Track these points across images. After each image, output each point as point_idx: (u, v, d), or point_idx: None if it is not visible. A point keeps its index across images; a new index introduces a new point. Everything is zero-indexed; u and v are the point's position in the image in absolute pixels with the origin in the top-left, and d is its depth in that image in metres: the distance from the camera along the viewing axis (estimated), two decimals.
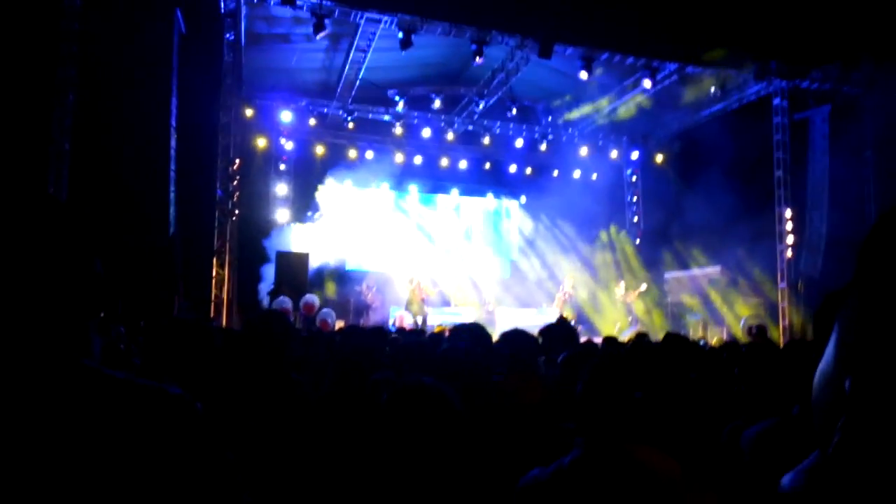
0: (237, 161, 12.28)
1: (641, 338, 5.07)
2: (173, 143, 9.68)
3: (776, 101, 14.15)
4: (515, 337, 3.56)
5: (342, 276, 16.21)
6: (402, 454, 1.52)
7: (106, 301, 1.01)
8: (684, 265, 16.44)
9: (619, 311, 15.71)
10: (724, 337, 13.17)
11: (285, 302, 12.07)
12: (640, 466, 1.52)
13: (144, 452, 0.88)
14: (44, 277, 0.92)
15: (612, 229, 18.36)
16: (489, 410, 2.48)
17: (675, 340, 4.11)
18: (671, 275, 16.79)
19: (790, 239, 13.74)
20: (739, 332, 13.11)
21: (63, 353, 0.92)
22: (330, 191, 17.11)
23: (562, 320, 4.48)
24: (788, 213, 13.83)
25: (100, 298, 0.99)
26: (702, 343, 10.14)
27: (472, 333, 3.01)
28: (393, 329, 11.83)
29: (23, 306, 0.90)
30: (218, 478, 0.95)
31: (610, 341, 5.57)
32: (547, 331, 4.11)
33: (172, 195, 9.63)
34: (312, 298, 12.95)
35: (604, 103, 15.91)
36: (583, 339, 10.71)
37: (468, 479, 1.62)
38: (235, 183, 12.10)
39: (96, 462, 0.85)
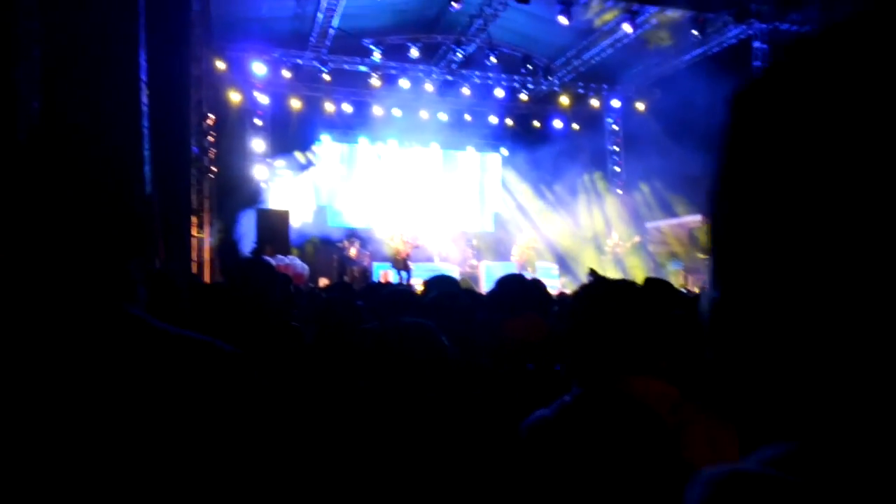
0: (211, 116, 11.94)
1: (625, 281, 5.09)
2: (144, 98, 9.34)
3: (756, 44, 14.04)
4: (513, 281, 3.56)
5: (325, 233, 16.08)
6: (395, 392, 1.49)
7: (146, 238, 0.96)
8: (666, 214, 16.52)
9: (606, 261, 15.78)
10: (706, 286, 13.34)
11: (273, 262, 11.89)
12: (638, 396, 1.52)
13: (196, 409, 0.86)
14: (80, 214, 0.89)
15: (595, 176, 18.28)
16: (477, 350, 2.49)
17: (657, 284, 4.10)
18: (652, 224, 16.88)
19: None
20: None
21: (112, 303, 0.89)
22: (309, 146, 16.82)
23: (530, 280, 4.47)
24: None
25: (140, 236, 0.96)
26: (684, 291, 10.27)
27: (443, 283, 3.03)
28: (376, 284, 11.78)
29: (63, 248, 0.87)
30: (263, 443, 0.92)
31: (594, 272, 5.61)
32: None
33: (147, 153, 9.35)
34: (285, 259, 12.62)
35: (584, 50, 15.68)
36: (568, 291, 10.75)
37: (462, 417, 1.59)
38: (211, 139, 11.79)
39: (145, 416, 0.83)
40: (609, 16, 13.64)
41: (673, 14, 13.43)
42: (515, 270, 14.07)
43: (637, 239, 15.91)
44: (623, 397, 1.54)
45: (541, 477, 1.57)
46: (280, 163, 16.33)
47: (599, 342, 1.64)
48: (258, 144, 16.16)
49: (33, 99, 7.68)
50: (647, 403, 1.54)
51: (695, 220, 15.33)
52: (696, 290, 10.56)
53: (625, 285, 1.79)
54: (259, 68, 15.09)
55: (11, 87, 7.71)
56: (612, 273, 15.14)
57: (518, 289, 3.38)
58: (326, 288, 8.71)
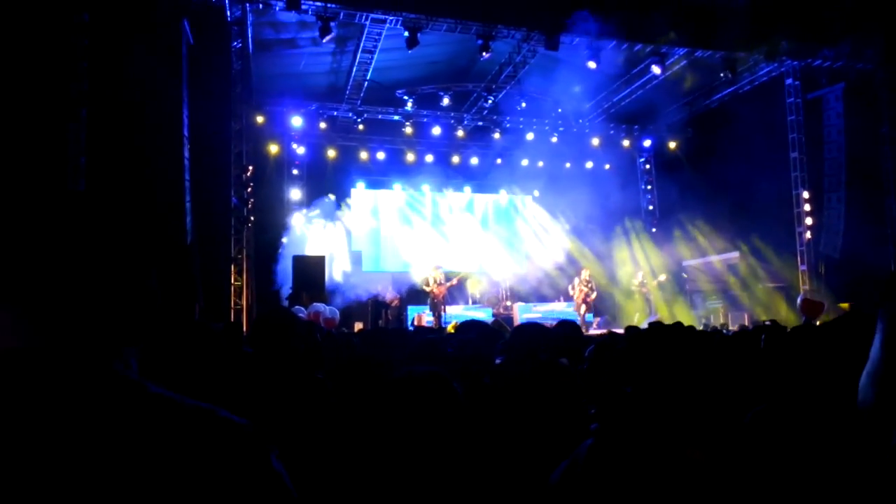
0: (250, 168, 12.35)
1: (655, 325, 5.05)
2: (186, 153, 9.75)
3: (788, 81, 13.98)
4: (528, 330, 3.57)
5: (359, 278, 16.27)
6: (402, 442, 1.53)
7: (158, 318, 0.96)
8: (702, 252, 16.30)
9: (637, 301, 15.61)
10: (746, 322, 13.05)
11: (300, 311, 12.05)
12: (657, 453, 1.52)
13: (185, 478, 0.81)
14: (95, 287, 0.88)
15: (628, 215, 18.22)
16: (494, 399, 2.51)
17: (660, 330, 4.06)
18: (689, 262, 16.66)
19: (808, 221, 13.58)
20: (762, 316, 12.97)
21: (106, 366, 0.87)
22: (344, 194, 17.21)
23: (566, 321, 4.43)
24: (806, 194, 13.68)
25: (152, 315, 0.94)
26: (724, 331, 10.07)
27: (477, 328, 3.08)
28: (412, 328, 11.85)
29: (73, 316, 0.86)
30: None
31: (631, 330, 5.56)
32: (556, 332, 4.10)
33: (188, 205, 9.71)
34: (319, 307, 12.62)
35: (613, 93, 15.82)
36: (602, 332, 10.66)
37: (471, 464, 1.62)
38: (249, 190, 12.18)
39: (134, 483, 0.79)
40: (634, 63, 13.66)
41: (703, 54, 13.49)
42: (574, 309, 14.12)
43: (663, 277, 15.70)
44: (635, 450, 1.53)
45: None
46: (316, 210, 16.69)
47: (620, 395, 1.65)
48: (295, 193, 16.60)
49: (80, 156, 8.10)
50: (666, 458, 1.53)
51: (732, 256, 15.09)
52: (736, 328, 10.34)
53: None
54: (296, 121, 15.61)
55: (61, 146, 8.16)
56: (645, 312, 14.94)
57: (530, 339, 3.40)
58: (359, 333, 8.80)
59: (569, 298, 15.10)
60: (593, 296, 14.45)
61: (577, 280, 14.66)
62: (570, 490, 1.58)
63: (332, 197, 16.97)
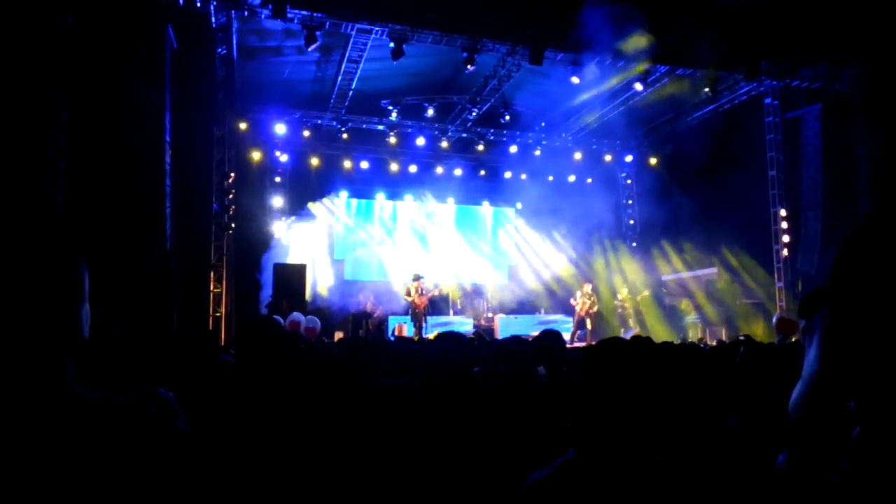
0: (232, 175, 12.27)
1: (638, 339, 5.09)
2: (168, 158, 9.69)
3: (767, 100, 14.21)
4: (508, 343, 3.59)
5: (341, 287, 16.20)
6: (371, 451, 1.54)
7: (87, 315, 0.97)
8: (681, 267, 16.46)
9: (619, 317, 15.69)
10: (724, 338, 13.18)
11: (278, 320, 11.88)
12: (637, 467, 1.53)
13: (116, 471, 0.86)
14: (27, 291, 0.89)
15: (609, 229, 18.32)
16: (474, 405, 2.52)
17: (643, 344, 4.13)
18: (669, 277, 16.80)
19: (786, 238, 13.78)
20: (740, 331, 13.09)
21: (37, 372, 0.89)
22: (326, 202, 17.16)
23: (549, 331, 4.46)
24: (783, 212, 13.87)
25: (79, 312, 0.95)
26: (703, 346, 10.15)
27: (453, 339, 3.13)
28: (392, 339, 11.82)
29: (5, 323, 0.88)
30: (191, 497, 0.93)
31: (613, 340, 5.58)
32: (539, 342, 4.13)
33: (168, 210, 9.63)
34: (298, 316, 12.49)
35: (596, 108, 15.97)
36: (583, 345, 10.70)
37: (437, 471, 1.63)
38: (231, 197, 12.10)
39: (66, 479, 0.83)
40: (617, 80, 13.77)
41: (684, 72, 13.69)
42: (574, 319, 14.17)
43: (646, 293, 15.82)
44: (616, 463, 1.53)
45: None
46: (298, 219, 16.62)
47: (598, 407, 1.65)
48: (277, 201, 16.52)
49: (60, 160, 8.01)
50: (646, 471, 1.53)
51: (710, 272, 15.24)
52: (714, 343, 10.43)
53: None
54: (280, 128, 15.56)
55: (41, 150, 8.06)
56: (627, 327, 15.03)
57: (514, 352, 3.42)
58: (340, 343, 8.75)
59: (569, 311, 14.99)
60: (595, 308, 14.43)
61: (578, 293, 14.62)
62: (546, 502, 1.58)
63: (314, 205, 16.93)
